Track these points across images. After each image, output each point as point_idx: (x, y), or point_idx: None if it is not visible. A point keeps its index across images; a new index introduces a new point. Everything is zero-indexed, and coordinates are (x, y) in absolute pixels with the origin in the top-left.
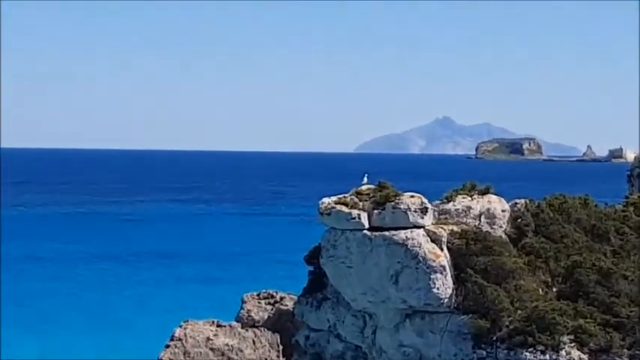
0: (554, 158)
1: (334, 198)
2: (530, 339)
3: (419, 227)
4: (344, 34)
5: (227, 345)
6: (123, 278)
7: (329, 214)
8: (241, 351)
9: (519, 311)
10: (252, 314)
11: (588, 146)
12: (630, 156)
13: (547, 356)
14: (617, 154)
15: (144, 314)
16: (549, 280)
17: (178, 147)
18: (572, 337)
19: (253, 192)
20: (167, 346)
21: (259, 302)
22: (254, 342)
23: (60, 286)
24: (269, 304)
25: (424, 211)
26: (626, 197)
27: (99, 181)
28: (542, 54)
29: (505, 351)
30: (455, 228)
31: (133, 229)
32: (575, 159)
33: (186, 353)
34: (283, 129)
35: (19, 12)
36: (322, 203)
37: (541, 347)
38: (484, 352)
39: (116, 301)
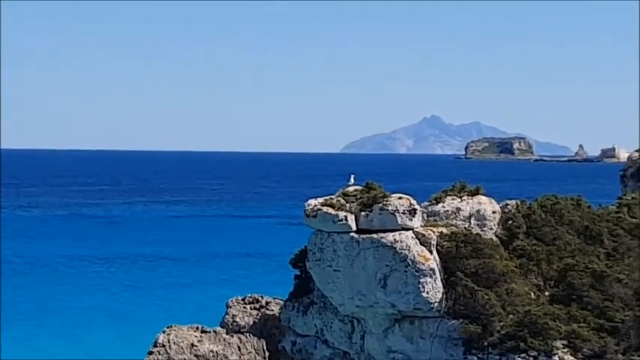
0: (545, 158)
1: (320, 199)
2: (522, 344)
3: (407, 229)
4: (331, 32)
5: (212, 351)
6: (106, 281)
7: (315, 216)
8: (226, 357)
9: (511, 316)
10: (238, 319)
11: (580, 146)
12: (623, 155)
13: None
14: (609, 153)
15: (127, 318)
16: (541, 283)
17: (167, 148)
18: (565, 342)
19: (238, 193)
20: (150, 353)
21: (244, 307)
22: (239, 348)
23: (43, 289)
24: (254, 309)
25: (413, 212)
26: (620, 198)
27: (86, 183)
28: (533, 52)
29: (497, 357)
30: (444, 230)
31: (118, 232)
32: (566, 159)
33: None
34: (269, 129)
35: (17, 12)
36: (308, 205)
37: (533, 353)
38: (475, 358)
39: (99, 305)
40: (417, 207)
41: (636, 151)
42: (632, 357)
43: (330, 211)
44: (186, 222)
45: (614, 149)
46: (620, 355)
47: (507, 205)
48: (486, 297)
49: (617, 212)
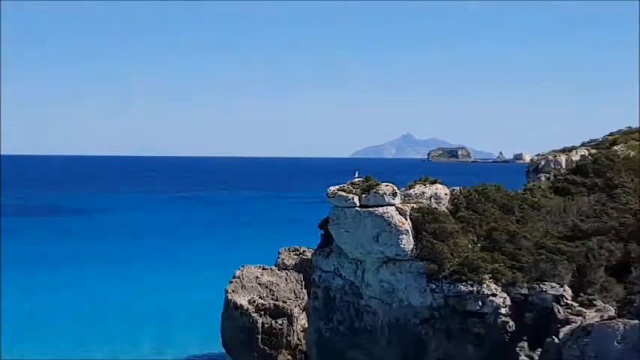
0: (478, 160)
1: (337, 187)
2: (463, 277)
3: (391, 205)
4: (342, 74)
5: (269, 281)
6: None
7: (333, 197)
8: (278, 285)
9: (456, 259)
10: (285, 261)
11: (500, 152)
12: (527, 158)
13: (474, 288)
14: (519, 157)
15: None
16: (475, 239)
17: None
18: (490, 275)
19: (276, 184)
20: (230, 282)
21: (290, 253)
22: (286, 279)
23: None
24: (296, 255)
25: (395, 194)
26: (524, 185)
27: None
28: (472, 86)
29: (447, 284)
30: (414, 205)
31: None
32: (491, 161)
33: (243, 286)
34: (293, 140)
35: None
36: (329, 190)
37: (470, 282)
38: (434, 285)
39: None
40: (397, 191)
41: (535, 155)
42: (533, 285)
43: (343, 193)
44: (244, 204)
45: (521, 154)
46: (525, 284)
47: (454, 190)
48: (441, 247)
49: (523, 194)
